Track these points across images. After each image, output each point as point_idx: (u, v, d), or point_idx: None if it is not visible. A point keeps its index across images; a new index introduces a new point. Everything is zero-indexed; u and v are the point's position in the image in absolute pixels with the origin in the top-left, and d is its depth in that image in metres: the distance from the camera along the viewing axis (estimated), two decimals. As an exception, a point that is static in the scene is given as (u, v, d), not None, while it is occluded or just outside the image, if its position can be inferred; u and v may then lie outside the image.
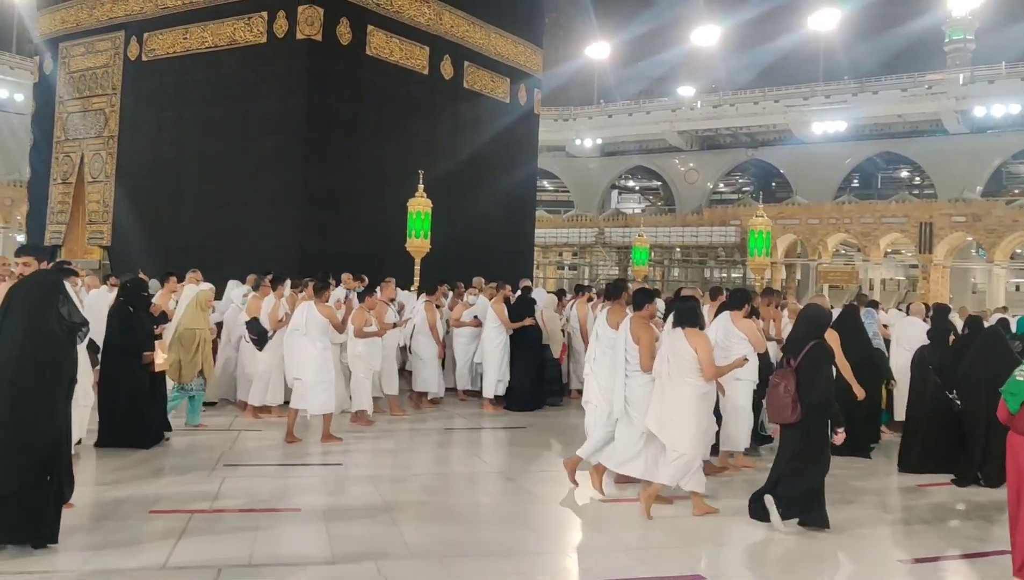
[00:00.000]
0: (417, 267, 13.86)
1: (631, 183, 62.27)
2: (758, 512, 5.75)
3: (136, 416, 7.48)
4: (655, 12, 55.91)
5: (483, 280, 12.53)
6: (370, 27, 16.12)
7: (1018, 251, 43.77)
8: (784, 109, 48.29)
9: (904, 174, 52.29)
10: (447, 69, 17.85)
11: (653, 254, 48.86)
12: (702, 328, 6.10)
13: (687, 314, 5.97)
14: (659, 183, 58.16)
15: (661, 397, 5.86)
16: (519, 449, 8.65)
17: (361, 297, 9.35)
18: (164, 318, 8.35)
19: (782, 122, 48.69)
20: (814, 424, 5.60)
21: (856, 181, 53.26)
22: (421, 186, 13.90)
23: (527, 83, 20.21)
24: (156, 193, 16.65)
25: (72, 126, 18.59)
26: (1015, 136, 43.04)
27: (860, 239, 41.96)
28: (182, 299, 9.09)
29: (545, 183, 62.22)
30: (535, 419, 10.04)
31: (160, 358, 7.84)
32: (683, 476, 5.82)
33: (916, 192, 49.04)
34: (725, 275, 47.73)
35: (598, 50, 56.82)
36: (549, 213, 54.82)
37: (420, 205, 13.84)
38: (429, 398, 10.51)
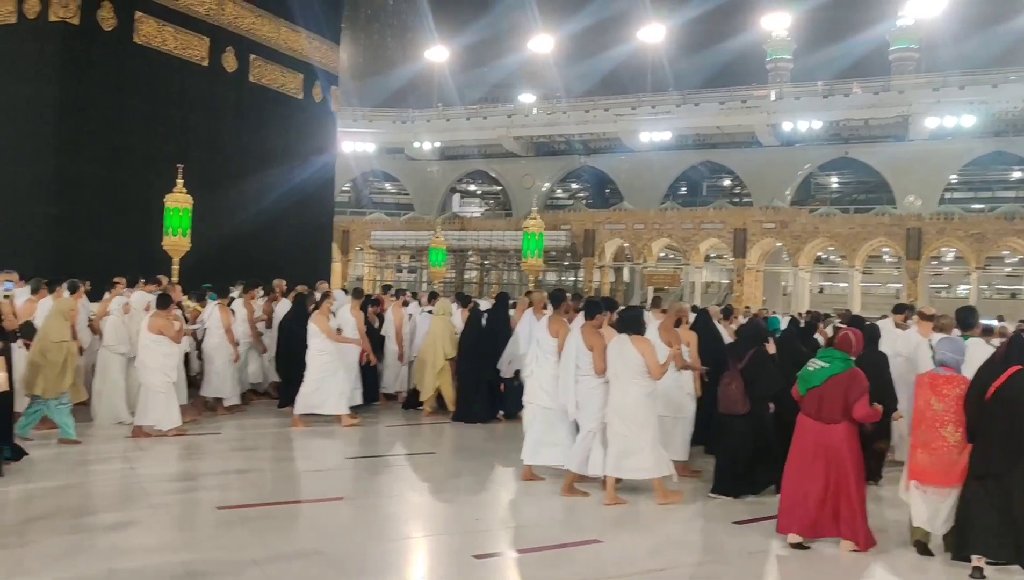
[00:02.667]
0: (175, 266, 13.16)
1: (472, 187, 62.59)
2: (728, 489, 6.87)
3: None
4: (492, 19, 56.62)
5: (284, 282, 12.18)
6: (138, 14, 15.29)
7: (822, 256, 47.00)
8: (614, 118, 49.79)
9: (727, 183, 55.05)
10: (230, 62, 17.17)
11: (490, 257, 49.50)
12: (643, 334, 6.75)
13: (632, 322, 6.71)
14: (500, 188, 58.75)
15: (613, 397, 6.56)
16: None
17: (163, 302, 8.83)
18: (30, 330, 7.36)
19: (612, 130, 50.17)
20: (760, 412, 6.79)
21: (684, 189, 55.66)
22: (180, 181, 13.20)
23: (323, 80, 19.73)
24: None
25: None
26: (818, 149, 46.18)
27: (681, 244, 43.82)
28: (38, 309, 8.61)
29: (387, 185, 61.66)
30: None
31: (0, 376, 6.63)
32: (658, 466, 6.48)
33: (736, 200, 51.77)
34: (558, 278, 48.80)
35: (437, 53, 56.76)
36: (388, 216, 54.30)
37: (179, 201, 13.13)
38: (225, 404, 10.18)
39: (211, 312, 10.26)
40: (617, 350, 6.55)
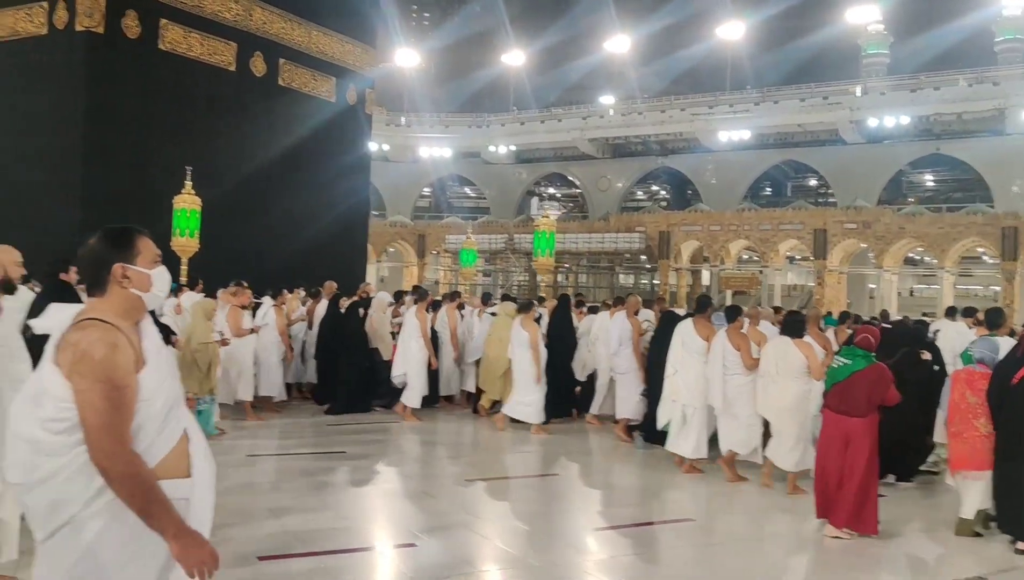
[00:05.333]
0: (184, 267, 13.33)
1: (551, 190, 62.25)
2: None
3: None
4: (569, 21, 56.18)
5: (335, 284, 12.23)
6: (163, 21, 15.63)
7: (914, 257, 44.53)
8: (691, 117, 48.59)
9: (812, 183, 52.96)
10: (258, 66, 17.39)
11: (564, 260, 48.88)
12: (803, 337, 7.30)
13: (796, 326, 7.29)
14: (578, 190, 58.23)
15: (767, 393, 7.13)
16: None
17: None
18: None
19: (689, 130, 48.96)
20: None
21: (768, 189, 53.81)
22: (189, 183, 13.39)
23: (357, 83, 19.78)
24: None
25: None
26: (907, 146, 43.80)
27: (759, 245, 42.26)
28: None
29: (466, 190, 62.03)
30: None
31: None
32: (801, 460, 6.97)
33: (822, 200, 49.68)
34: (632, 281, 47.89)
35: (513, 58, 56.76)
36: (464, 220, 54.51)
37: (187, 202, 13.32)
38: (274, 401, 10.44)
39: (266, 313, 10.49)
40: (778, 352, 7.08)
